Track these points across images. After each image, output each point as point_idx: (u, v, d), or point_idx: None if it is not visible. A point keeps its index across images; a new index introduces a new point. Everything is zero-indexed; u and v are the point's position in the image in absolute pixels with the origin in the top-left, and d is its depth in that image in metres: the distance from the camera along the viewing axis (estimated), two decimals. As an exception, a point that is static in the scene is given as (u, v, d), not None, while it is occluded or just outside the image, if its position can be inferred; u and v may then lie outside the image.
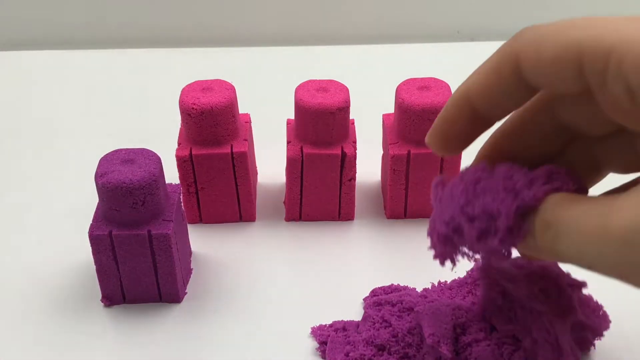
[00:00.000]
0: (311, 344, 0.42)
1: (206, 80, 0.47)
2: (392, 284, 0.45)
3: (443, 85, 0.47)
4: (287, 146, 0.48)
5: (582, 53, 0.25)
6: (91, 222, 0.42)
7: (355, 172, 0.48)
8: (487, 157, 0.32)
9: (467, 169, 0.32)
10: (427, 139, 0.32)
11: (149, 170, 0.41)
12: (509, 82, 0.28)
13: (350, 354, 0.39)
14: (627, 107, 0.25)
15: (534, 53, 0.27)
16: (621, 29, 0.25)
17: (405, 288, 0.44)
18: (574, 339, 0.38)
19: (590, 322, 0.38)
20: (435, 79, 0.48)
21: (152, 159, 0.41)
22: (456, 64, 0.68)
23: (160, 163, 0.42)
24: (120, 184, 0.40)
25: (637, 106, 0.25)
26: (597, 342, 0.40)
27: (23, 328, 0.43)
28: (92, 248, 0.42)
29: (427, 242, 0.49)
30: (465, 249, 0.31)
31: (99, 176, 0.40)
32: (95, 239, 0.41)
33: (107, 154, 0.42)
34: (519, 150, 0.32)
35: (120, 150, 0.42)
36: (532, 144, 0.32)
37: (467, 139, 0.31)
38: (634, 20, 0.25)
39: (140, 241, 0.41)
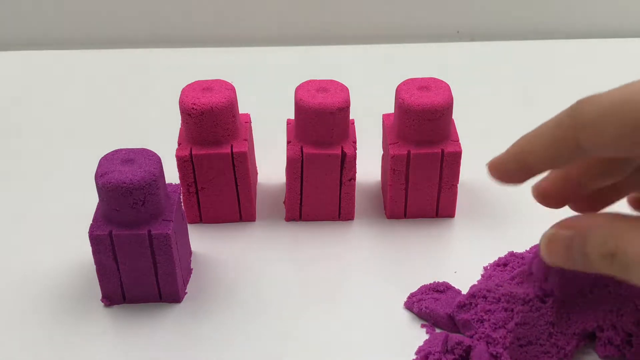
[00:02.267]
0: (311, 343, 0.42)
1: (206, 80, 0.47)
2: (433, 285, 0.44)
3: (443, 85, 0.47)
4: (287, 146, 0.48)
5: None
6: (91, 222, 0.42)
7: (355, 172, 0.48)
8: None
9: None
10: (489, 171, 0.34)
11: (149, 170, 0.41)
12: (569, 154, 0.30)
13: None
14: None
15: (595, 136, 0.28)
16: None
17: (449, 289, 0.44)
18: None
19: None
20: (435, 79, 0.48)
21: (152, 159, 0.41)
22: (456, 64, 0.68)
23: (160, 163, 0.42)
24: (120, 184, 0.40)
25: None
26: None
27: (23, 328, 0.43)
28: (92, 248, 0.42)
29: (427, 243, 0.49)
30: None
31: (99, 176, 0.40)
32: (95, 239, 0.41)
33: (107, 154, 0.42)
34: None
35: (120, 150, 0.42)
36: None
37: (525, 178, 0.33)
38: None
39: (140, 241, 0.41)
